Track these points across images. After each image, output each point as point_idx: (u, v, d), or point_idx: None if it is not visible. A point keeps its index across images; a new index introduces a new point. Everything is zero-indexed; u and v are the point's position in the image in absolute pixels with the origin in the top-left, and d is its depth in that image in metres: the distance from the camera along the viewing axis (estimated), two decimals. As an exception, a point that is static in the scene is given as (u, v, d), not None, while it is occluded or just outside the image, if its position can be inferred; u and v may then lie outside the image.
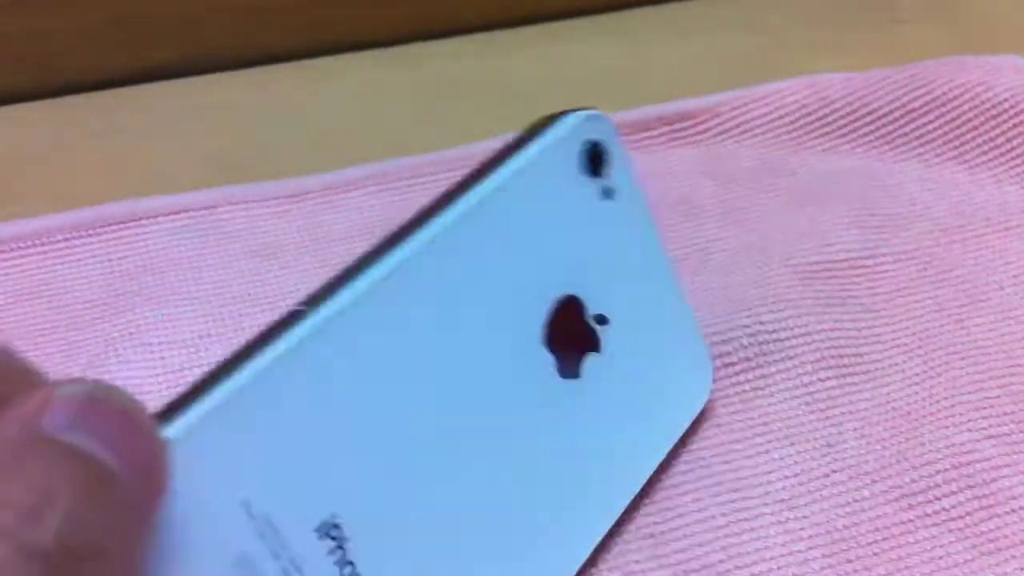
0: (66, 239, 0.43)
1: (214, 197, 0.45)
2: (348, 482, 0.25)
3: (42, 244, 0.43)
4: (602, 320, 0.32)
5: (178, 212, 0.44)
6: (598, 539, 0.31)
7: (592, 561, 0.32)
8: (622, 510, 0.32)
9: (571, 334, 0.31)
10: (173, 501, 0.22)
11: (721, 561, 0.32)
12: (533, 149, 0.31)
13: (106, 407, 0.20)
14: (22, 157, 0.50)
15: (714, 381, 0.37)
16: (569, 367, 0.31)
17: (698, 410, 0.35)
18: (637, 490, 0.32)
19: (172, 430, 0.22)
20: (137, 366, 0.37)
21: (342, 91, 0.56)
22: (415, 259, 0.27)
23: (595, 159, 0.32)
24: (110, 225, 0.44)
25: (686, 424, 0.35)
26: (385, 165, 0.47)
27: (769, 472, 0.35)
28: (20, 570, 0.18)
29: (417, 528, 0.27)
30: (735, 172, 0.49)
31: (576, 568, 0.30)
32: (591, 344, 0.32)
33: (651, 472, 0.33)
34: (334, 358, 0.25)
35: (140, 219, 0.44)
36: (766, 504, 0.34)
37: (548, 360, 0.30)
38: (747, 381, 0.38)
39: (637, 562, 0.32)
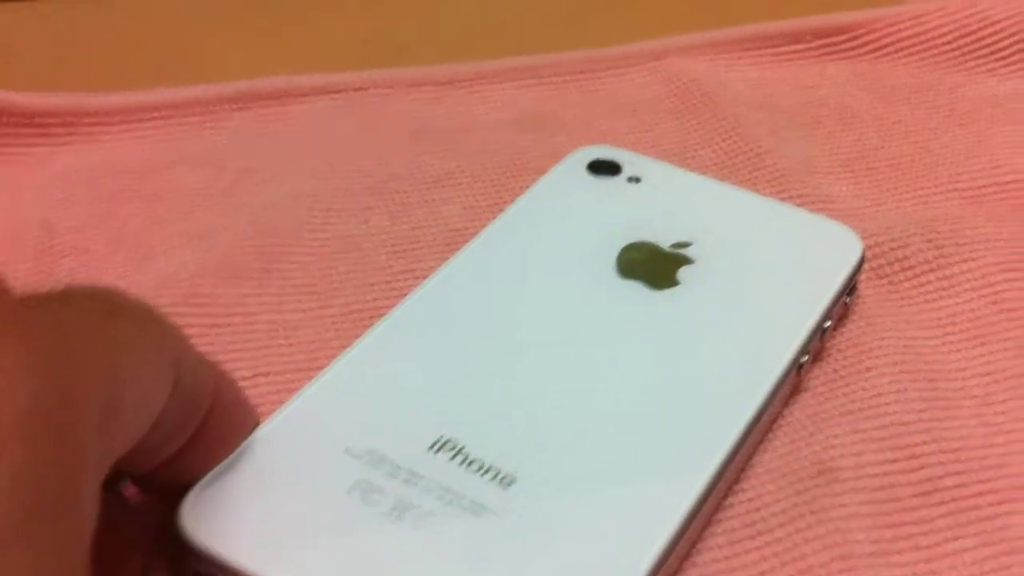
0: (226, 110, 0.42)
1: (368, 79, 0.44)
2: (455, 410, 0.28)
3: (201, 113, 0.42)
4: (682, 245, 0.34)
5: (335, 91, 0.43)
6: (743, 424, 0.29)
7: (792, 437, 0.30)
8: (772, 382, 0.30)
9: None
10: (287, 455, 0.26)
11: (924, 443, 0.31)
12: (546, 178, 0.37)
13: None
14: (175, 30, 0.49)
15: (887, 278, 0.36)
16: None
17: (847, 269, 0.34)
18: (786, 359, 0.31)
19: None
20: (303, 228, 0.37)
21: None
22: (485, 245, 0.34)
23: (598, 166, 0.37)
24: (269, 99, 0.43)
25: (835, 283, 0.33)
26: (540, 58, 0.46)
27: (963, 369, 0.34)
28: None
29: (538, 431, 0.28)
30: (892, 87, 0.47)
31: (726, 449, 0.28)
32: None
33: (804, 335, 0.32)
34: (430, 318, 0.31)
35: (296, 95, 0.43)
36: (962, 398, 0.32)
37: (633, 284, 0.33)
38: (929, 283, 0.37)
39: (836, 436, 0.31)
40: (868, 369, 0.33)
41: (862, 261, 0.34)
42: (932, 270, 0.37)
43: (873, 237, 0.37)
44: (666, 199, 0.36)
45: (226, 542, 0.24)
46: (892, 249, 0.37)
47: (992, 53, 0.49)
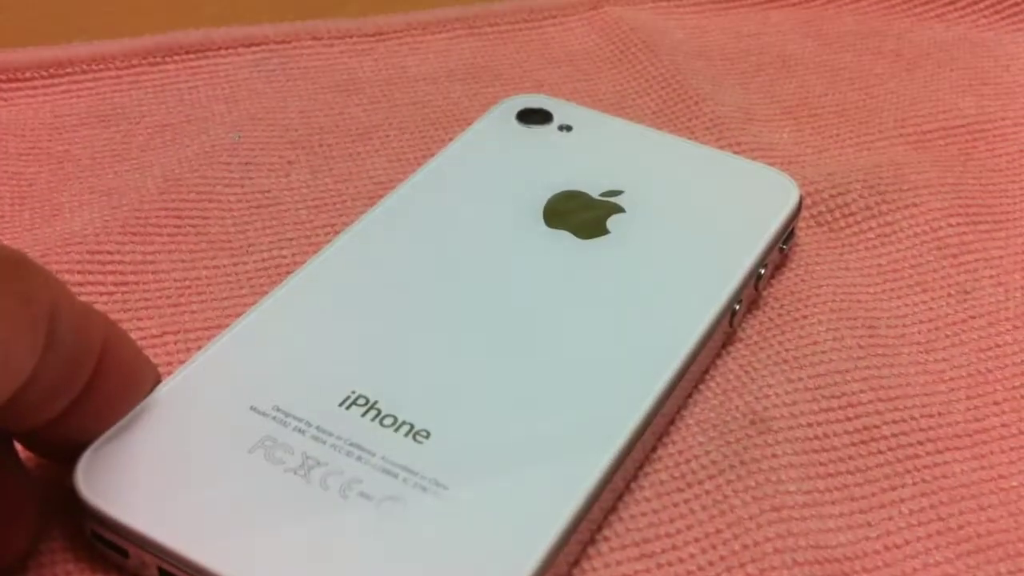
0: (140, 64, 0.40)
1: (294, 31, 0.42)
2: (368, 365, 0.27)
3: (116, 68, 0.40)
4: (612, 193, 0.33)
5: (256, 44, 0.42)
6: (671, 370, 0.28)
7: (724, 388, 0.29)
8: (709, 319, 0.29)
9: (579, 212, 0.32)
10: (189, 413, 0.25)
11: (861, 391, 0.29)
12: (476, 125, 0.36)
13: None
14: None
15: (827, 225, 0.35)
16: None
17: (782, 215, 0.32)
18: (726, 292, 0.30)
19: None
20: (218, 183, 0.35)
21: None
22: (406, 196, 0.33)
23: (528, 115, 0.36)
24: (186, 53, 0.41)
25: (770, 230, 0.32)
26: (474, 8, 0.45)
27: (904, 316, 0.32)
28: None
29: (455, 385, 0.27)
30: (838, 33, 0.46)
31: (651, 399, 0.27)
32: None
33: (743, 273, 0.30)
34: (345, 271, 0.30)
35: (217, 48, 0.41)
36: (903, 345, 0.31)
37: (560, 234, 0.31)
38: (871, 229, 0.35)
39: (770, 386, 0.29)
40: (805, 317, 0.32)
41: (799, 207, 0.33)
42: (873, 216, 0.36)
43: (813, 184, 0.36)
44: (597, 148, 0.35)
45: (122, 503, 0.23)
46: (832, 196, 0.36)
47: (940, -1, 0.48)
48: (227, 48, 0.41)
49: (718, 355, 0.30)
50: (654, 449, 0.27)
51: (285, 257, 0.33)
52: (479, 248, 0.31)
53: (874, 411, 0.29)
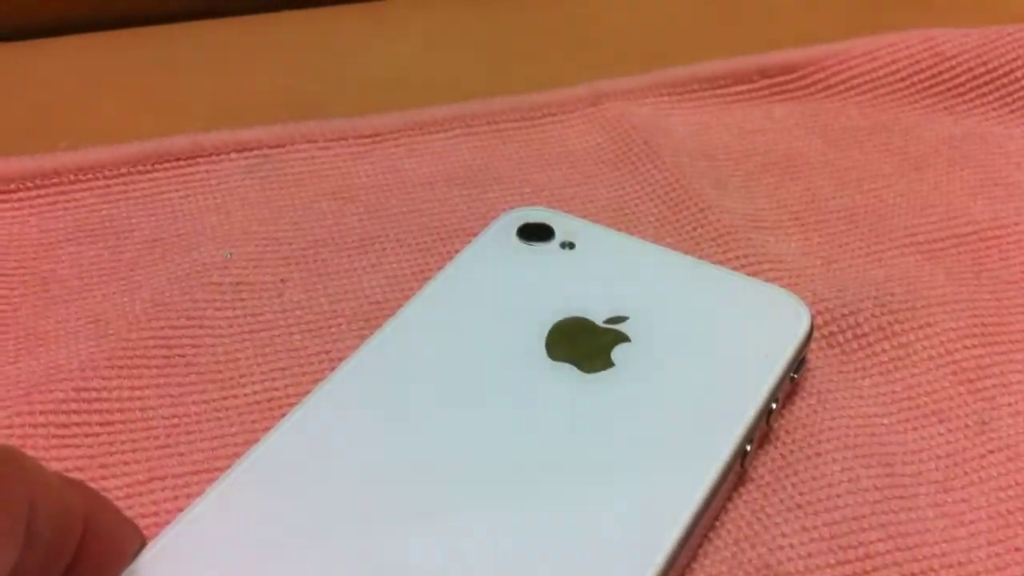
0: (129, 173, 0.39)
1: (287, 134, 0.41)
2: (352, 535, 0.25)
3: (104, 177, 0.39)
4: (617, 320, 0.32)
5: (249, 149, 0.41)
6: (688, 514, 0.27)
7: (736, 537, 0.28)
8: (720, 464, 0.28)
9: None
10: None
11: (879, 540, 0.28)
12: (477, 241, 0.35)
13: None
14: (80, 89, 0.46)
15: (839, 347, 0.34)
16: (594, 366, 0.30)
17: (794, 344, 0.31)
18: (728, 449, 0.28)
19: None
20: (209, 307, 0.34)
21: (410, 33, 0.52)
22: (402, 327, 0.31)
23: (529, 230, 0.35)
24: (176, 160, 0.40)
25: (781, 361, 0.31)
26: (471, 106, 0.44)
27: (920, 451, 0.31)
28: None
29: (448, 553, 0.25)
30: (845, 129, 0.45)
31: (662, 556, 0.26)
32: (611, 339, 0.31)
33: (749, 418, 0.29)
34: (337, 418, 0.28)
35: (208, 155, 0.40)
36: (920, 484, 0.30)
37: (563, 367, 0.30)
38: (884, 351, 0.34)
39: (784, 535, 0.28)
40: (818, 455, 0.30)
41: (810, 333, 0.32)
42: (887, 338, 0.34)
43: (823, 302, 0.35)
44: (601, 267, 0.34)
45: None
46: (844, 316, 0.35)
47: (948, 90, 0.47)
48: (218, 154, 0.40)
49: (729, 499, 0.29)
50: (664, 611, 0.26)
51: (278, 389, 0.32)
52: (480, 387, 0.30)
53: (892, 562, 0.28)
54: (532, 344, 0.31)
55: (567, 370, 0.30)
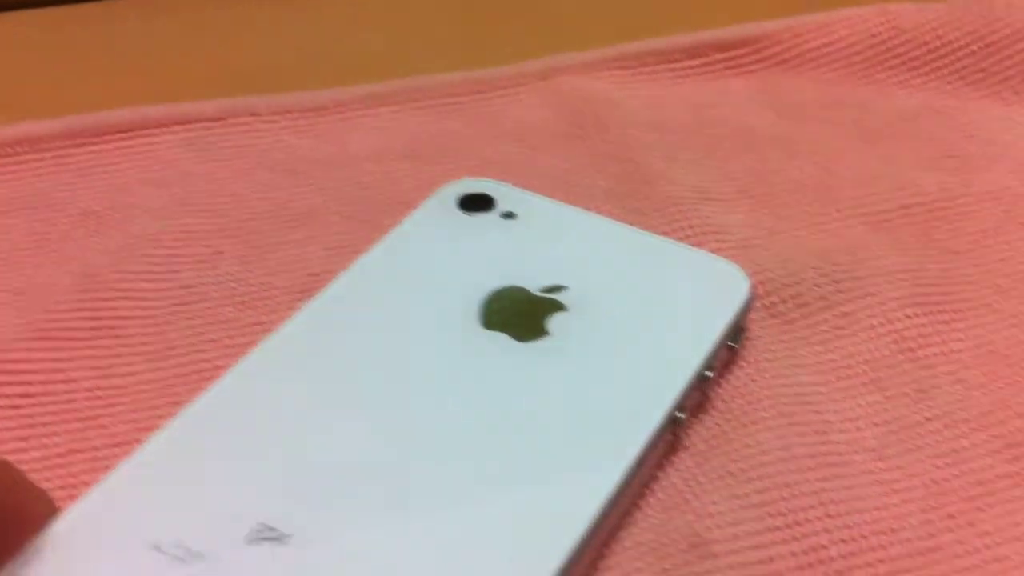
0: (65, 146, 0.39)
1: (229, 107, 0.41)
2: (279, 492, 0.25)
3: (39, 151, 0.38)
4: (554, 289, 0.31)
5: (188, 122, 0.40)
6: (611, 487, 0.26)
7: (666, 505, 0.27)
8: (648, 435, 0.27)
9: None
10: (80, 553, 0.23)
11: (810, 507, 0.28)
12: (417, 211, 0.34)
13: None
14: (19, 65, 0.46)
15: (780, 316, 0.33)
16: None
17: (731, 312, 0.31)
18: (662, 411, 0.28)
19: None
20: (139, 279, 0.33)
21: (361, 8, 0.52)
22: (336, 295, 0.31)
23: (470, 201, 0.35)
24: (114, 133, 0.39)
25: (717, 329, 0.31)
26: (419, 80, 0.43)
27: (856, 418, 0.31)
28: None
29: (371, 512, 0.25)
30: (798, 103, 0.45)
31: (587, 521, 0.25)
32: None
33: (684, 384, 0.29)
34: (264, 384, 0.28)
35: (148, 128, 0.40)
36: (855, 452, 0.30)
37: (497, 336, 0.30)
38: (825, 320, 0.34)
39: (714, 503, 0.28)
40: (754, 423, 0.30)
41: (750, 302, 0.32)
42: (828, 307, 0.34)
43: (766, 272, 0.35)
44: (541, 238, 0.33)
45: None
46: (786, 285, 0.35)
47: (902, 64, 0.46)
48: (160, 127, 0.40)
49: (660, 466, 0.29)
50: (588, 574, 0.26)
51: (207, 361, 0.31)
52: (411, 354, 0.29)
53: (822, 528, 0.28)
54: (467, 313, 0.30)
55: (501, 339, 0.30)
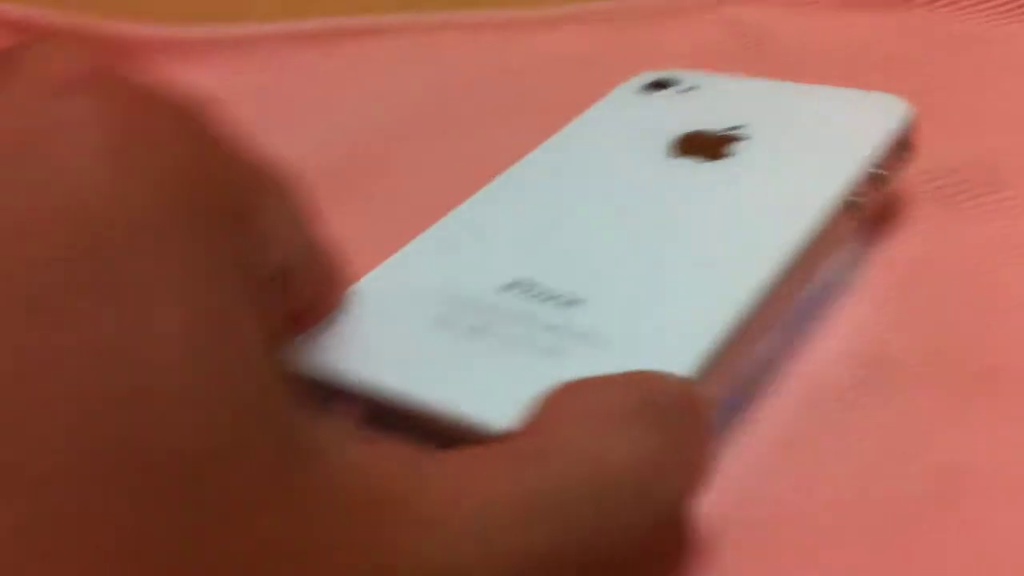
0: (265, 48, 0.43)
1: (415, 21, 0.46)
2: (528, 258, 0.29)
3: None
4: (734, 128, 0.35)
5: (391, 31, 0.45)
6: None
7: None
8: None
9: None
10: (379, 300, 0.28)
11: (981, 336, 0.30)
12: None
13: None
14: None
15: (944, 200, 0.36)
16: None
17: (899, 118, 0.35)
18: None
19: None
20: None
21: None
22: (547, 148, 0.36)
23: (653, 86, 0.39)
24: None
25: (889, 128, 0.34)
26: (598, 5, 0.47)
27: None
28: None
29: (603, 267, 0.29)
30: (955, 37, 0.47)
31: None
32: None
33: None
34: (510, 194, 0.33)
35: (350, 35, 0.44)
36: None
37: (684, 161, 0.34)
38: (991, 203, 0.36)
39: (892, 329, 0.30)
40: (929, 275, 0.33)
41: (912, 121, 0.35)
42: (992, 191, 0.37)
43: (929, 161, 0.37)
44: (720, 98, 0.37)
45: (330, 360, 0.26)
46: (950, 171, 0.37)
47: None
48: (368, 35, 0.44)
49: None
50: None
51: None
52: (616, 177, 0.34)
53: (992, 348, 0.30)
54: (659, 150, 0.35)
55: (687, 163, 0.34)
